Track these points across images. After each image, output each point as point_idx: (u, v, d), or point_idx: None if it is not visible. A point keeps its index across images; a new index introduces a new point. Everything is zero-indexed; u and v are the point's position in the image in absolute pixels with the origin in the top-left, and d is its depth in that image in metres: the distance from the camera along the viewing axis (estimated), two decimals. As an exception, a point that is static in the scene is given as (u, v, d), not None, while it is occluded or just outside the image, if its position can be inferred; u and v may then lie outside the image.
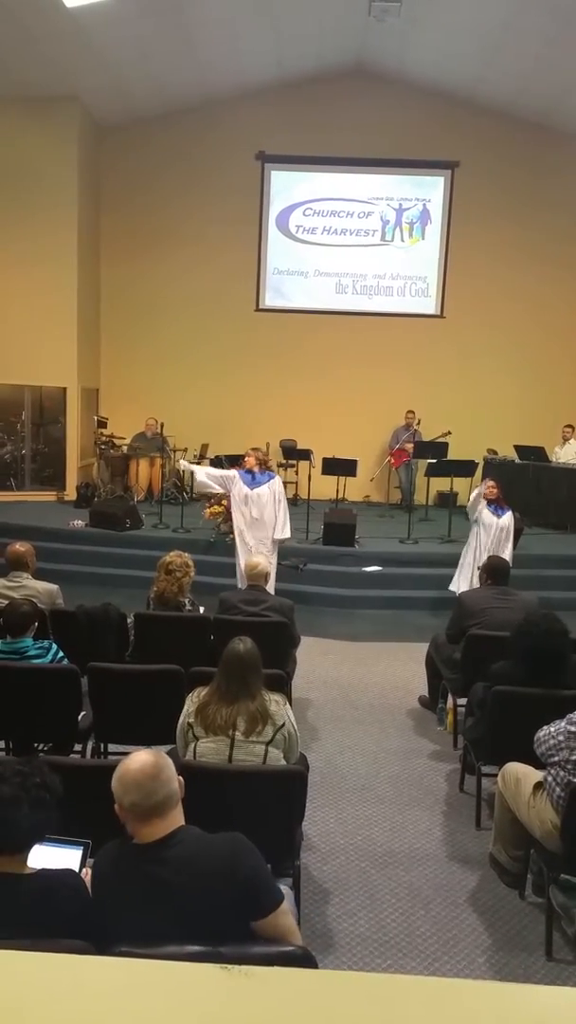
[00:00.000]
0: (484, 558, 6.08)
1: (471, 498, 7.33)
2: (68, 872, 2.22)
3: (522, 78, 10.71)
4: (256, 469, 7.04)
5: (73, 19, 8.60)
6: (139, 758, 2.17)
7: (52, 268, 11.05)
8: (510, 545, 7.13)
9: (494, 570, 5.31)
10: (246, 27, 9.98)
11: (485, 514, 7.11)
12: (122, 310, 12.41)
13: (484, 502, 7.15)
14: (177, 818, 2.15)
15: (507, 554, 6.83)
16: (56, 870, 2.16)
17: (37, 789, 2.07)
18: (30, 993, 1.03)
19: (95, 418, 11.51)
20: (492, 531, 7.06)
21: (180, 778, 2.20)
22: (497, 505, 7.13)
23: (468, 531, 7.42)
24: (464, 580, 7.18)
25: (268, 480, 7.07)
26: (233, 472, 7.25)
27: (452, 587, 7.28)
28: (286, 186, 12.53)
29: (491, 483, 7.29)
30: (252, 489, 7.01)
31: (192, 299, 12.34)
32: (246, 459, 7.15)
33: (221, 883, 2.05)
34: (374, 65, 11.69)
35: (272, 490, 7.04)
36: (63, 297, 11.13)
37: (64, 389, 11.38)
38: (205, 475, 7.28)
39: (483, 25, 9.64)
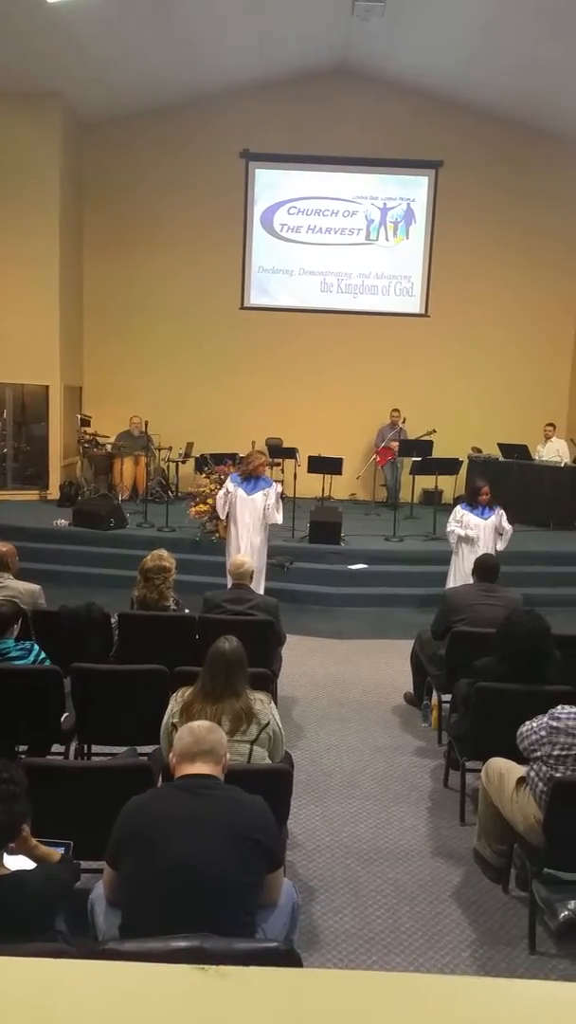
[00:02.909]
0: (472, 560, 6.04)
1: (450, 535, 7.24)
2: (45, 867, 2.22)
3: (506, 78, 10.75)
4: (263, 474, 7.16)
5: (54, 13, 8.55)
6: (204, 721, 2.62)
7: (34, 265, 10.99)
8: (499, 545, 7.09)
9: (482, 567, 5.33)
10: (230, 24, 9.95)
11: (470, 519, 7.05)
12: (105, 307, 12.37)
13: (462, 515, 7.08)
14: (215, 770, 2.40)
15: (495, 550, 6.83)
16: (31, 869, 2.17)
17: (5, 784, 2.08)
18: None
19: (78, 416, 11.45)
20: (479, 533, 7.03)
21: (228, 756, 2.51)
22: (485, 507, 7.07)
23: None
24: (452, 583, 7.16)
25: (266, 487, 7.10)
26: (227, 484, 7.25)
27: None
28: (271, 184, 12.52)
29: (485, 489, 7.16)
30: (249, 495, 7.05)
31: (176, 297, 12.32)
32: (260, 468, 7.15)
33: (254, 819, 2.30)
34: (359, 64, 11.69)
35: (267, 496, 7.10)
36: (45, 294, 11.07)
37: (46, 387, 11.32)
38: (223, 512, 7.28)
39: (467, 25, 9.67)
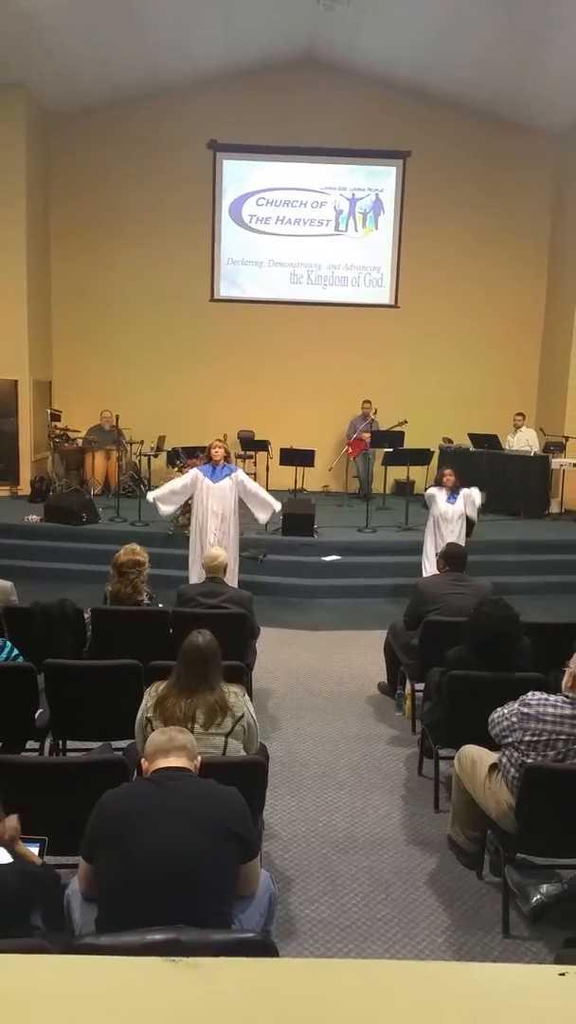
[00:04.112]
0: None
1: (427, 492, 7.42)
2: (19, 863, 2.22)
3: (471, 67, 10.79)
4: (222, 461, 7.14)
5: (18, 4, 8.42)
6: (174, 726, 2.70)
7: (0, 259, 10.86)
8: (464, 527, 7.29)
9: (451, 556, 5.39)
10: (196, 14, 9.88)
11: (441, 505, 7.21)
12: (74, 301, 12.25)
13: (439, 492, 7.25)
14: (188, 764, 2.43)
15: (461, 537, 6.99)
16: (8, 863, 2.17)
17: None
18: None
19: (48, 411, 11.35)
20: (449, 518, 7.16)
21: (200, 758, 2.54)
22: (452, 492, 7.25)
23: (424, 519, 7.53)
24: (432, 570, 7.27)
25: (229, 473, 7.11)
26: (192, 472, 7.25)
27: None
28: (239, 175, 12.46)
29: (448, 472, 7.38)
30: (215, 483, 7.05)
31: (146, 289, 12.24)
32: (214, 451, 7.15)
33: (229, 810, 2.33)
34: (325, 54, 11.67)
35: (234, 481, 7.09)
36: (12, 288, 10.95)
37: (15, 382, 11.20)
38: (169, 501, 7.21)
39: (432, 14, 9.69)
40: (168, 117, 11.87)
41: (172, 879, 2.14)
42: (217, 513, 7.08)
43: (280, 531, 8.90)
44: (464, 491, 7.37)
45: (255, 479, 10.79)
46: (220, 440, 7.59)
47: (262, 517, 7.26)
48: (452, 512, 7.22)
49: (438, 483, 7.46)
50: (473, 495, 7.38)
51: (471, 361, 12.42)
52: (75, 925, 2.38)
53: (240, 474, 7.24)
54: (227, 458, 7.29)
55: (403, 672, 5.29)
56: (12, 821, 2.37)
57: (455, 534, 7.11)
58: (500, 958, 3.03)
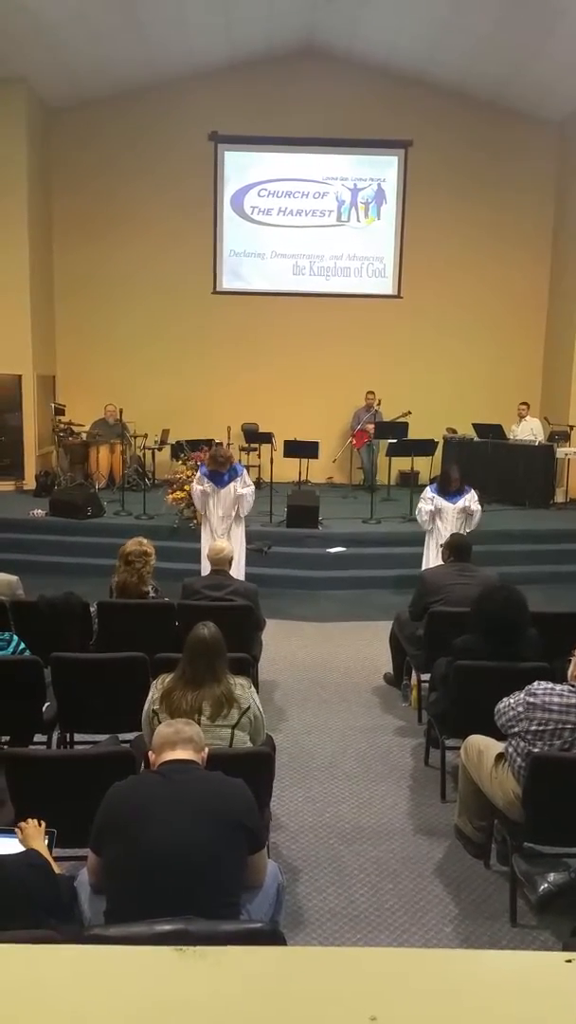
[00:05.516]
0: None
1: (420, 513, 7.23)
2: (28, 853, 2.24)
3: (472, 57, 10.72)
4: (228, 465, 7.13)
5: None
6: (180, 718, 2.72)
7: (2, 253, 10.85)
8: (467, 527, 7.14)
9: (455, 547, 5.37)
10: (196, 5, 9.82)
11: (439, 501, 7.08)
12: (77, 295, 12.25)
13: (431, 502, 7.11)
14: (195, 756, 2.46)
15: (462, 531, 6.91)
16: (14, 854, 2.18)
17: None
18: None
19: (52, 405, 11.35)
20: (449, 516, 7.08)
21: (207, 750, 2.56)
22: (453, 492, 7.09)
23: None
24: (433, 562, 7.20)
25: (234, 477, 7.11)
26: (198, 476, 7.26)
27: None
28: (240, 167, 12.42)
29: (455, 477, 7.19)
30: (220, 488, 7.08)
31: (149, 282, 12.22)
32: (219, 467, 7.13)
33: (235, 801, 2.34)
34: (325, 44, 11.59)
35: (238, 484, 7.12)
36: (15, 283, 10.94)
37: (19, 376, 11.20)
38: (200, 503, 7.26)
39: (433, 2, 9.62)
40: (169, 109, 11.82)
41: (180, 871, 2.15)
42: (223, 516, 7.11)
43: (285, 523, 8.90)
44: (468, 494, 7.15)
45: (259, 471, 10.84)
46: (218, 449, 7.52)
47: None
48: (451, 509, 7.10)
49: (443, 487, 7.20)
50: (473, 506, 7.13)
51: (475, 351, 12.37)
52: (84, 917, 2.39)
53: (244, 477, 7.23)
54: (230, 459, 7.28)
55: (409, 663, 5.30)
56: (32, 822, 2.43)
57: (453, 528, 7.01)
58: (508, 947, 3.04)
